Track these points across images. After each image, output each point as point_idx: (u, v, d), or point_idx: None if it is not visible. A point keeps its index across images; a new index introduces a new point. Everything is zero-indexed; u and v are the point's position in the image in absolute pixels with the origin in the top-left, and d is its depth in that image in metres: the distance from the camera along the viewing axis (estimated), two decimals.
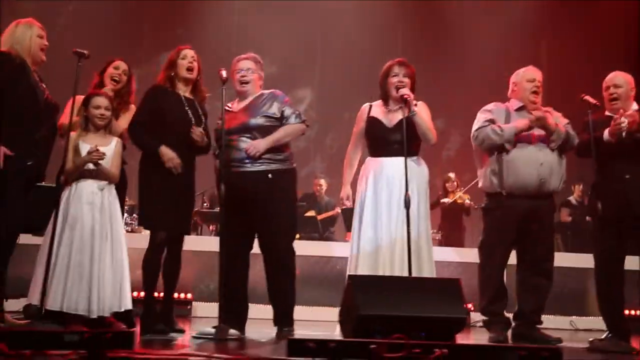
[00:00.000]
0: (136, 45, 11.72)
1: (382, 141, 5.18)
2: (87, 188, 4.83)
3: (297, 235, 6.01)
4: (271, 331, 5.26)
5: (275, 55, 11.14)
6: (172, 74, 5.21)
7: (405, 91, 5.05)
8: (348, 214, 10.05)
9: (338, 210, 10.38)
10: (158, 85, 5.23)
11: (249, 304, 5.28)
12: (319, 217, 10.53)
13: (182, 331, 5.21)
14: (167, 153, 5.00)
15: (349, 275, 3.94)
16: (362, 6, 12.47)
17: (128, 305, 4.85)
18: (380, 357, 3.03)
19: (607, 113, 5.42)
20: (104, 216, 4.82)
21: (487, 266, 5.38)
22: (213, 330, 4.69)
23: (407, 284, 4.09)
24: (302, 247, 6.03)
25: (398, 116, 5.14)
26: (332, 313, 7.33)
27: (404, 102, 5.02)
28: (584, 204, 10.87)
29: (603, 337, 5.27)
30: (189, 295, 7.67)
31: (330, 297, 7.58)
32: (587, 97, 5.30)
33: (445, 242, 10.46)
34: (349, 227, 10.16)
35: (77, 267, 4.68)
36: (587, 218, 8.82)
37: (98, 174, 4.86)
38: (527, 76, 5.49)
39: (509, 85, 5.62)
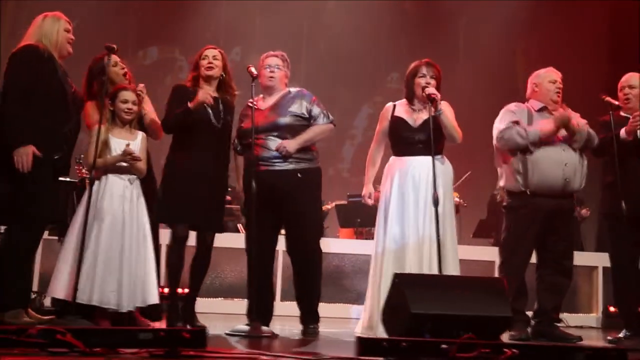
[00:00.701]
0: (121, 40, 11.55)
1: (407, 140, 5.18)
2: (119, 181, 4.79)
3: None
4: (286, 327, 5.32)
5: (261, 52, 11.03)
6: (196, 75, 5.17)
7: (433, 90, 5.06)
8: (342, 210, 10.10)
9: (328, 207, 10.35)
10: (181, 84, 5.21)
11: None
12: None
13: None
14: (197, 96, 4.91)
15: (396, 274, 3.92)
16: (348, 3, 12.43)
17: (154, 299, 4.80)
18: (452, 357, 3.04)
19: (622, 113, 5.54)
20: (132, 209, 4.79)
21: (510, 264, 5.40)
22: (246, 328, 4.72)
23: (453, 282, 4.10)
24: None
25: (423, 116, 5.15)
26: (329, 309, 7.42)
27: (430, 101, 5.02)
28: None
29: (621, 335, 5.37)
30: (187, 291, 7.58)
31: (326, 293, 7.55)
32: (608, 98, 5.40)
33: None
34: (342, 224, 10.19)
35: (106, 261, 4.63)
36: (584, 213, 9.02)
37: (129, 169, 4.83)
38: (549, 77, 5.54)
39: (527, 85, 5.67)
